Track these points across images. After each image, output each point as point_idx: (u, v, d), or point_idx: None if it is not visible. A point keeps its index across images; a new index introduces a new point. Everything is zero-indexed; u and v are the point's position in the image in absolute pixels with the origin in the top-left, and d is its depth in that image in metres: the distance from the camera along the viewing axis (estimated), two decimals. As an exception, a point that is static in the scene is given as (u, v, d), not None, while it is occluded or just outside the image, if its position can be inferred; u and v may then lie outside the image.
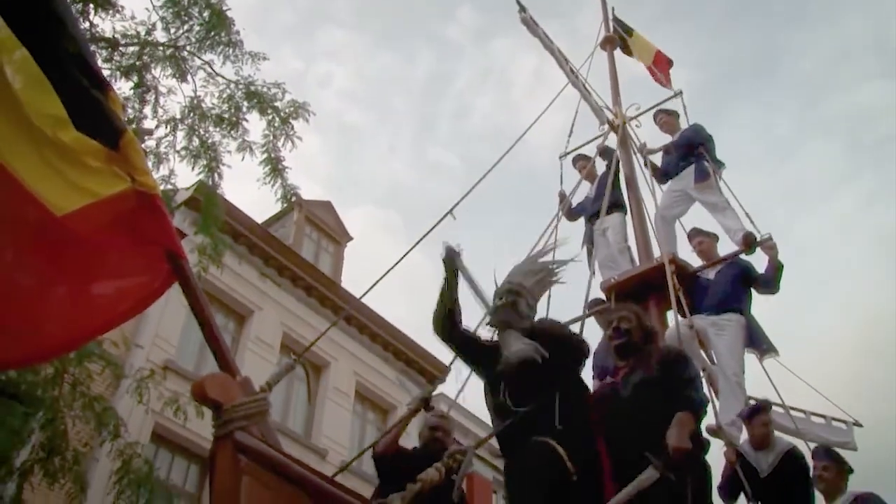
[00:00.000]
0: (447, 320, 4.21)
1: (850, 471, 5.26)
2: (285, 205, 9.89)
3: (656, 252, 6.82)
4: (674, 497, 3.27)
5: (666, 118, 8.21)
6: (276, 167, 9.29)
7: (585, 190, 7.99)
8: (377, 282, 5.50)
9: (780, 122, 64.37)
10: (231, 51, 9.09)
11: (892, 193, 56.12)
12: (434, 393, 5.75)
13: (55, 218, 2.39)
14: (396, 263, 5.68)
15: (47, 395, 7.12)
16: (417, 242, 5.95)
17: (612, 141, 8.20)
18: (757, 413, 5.76)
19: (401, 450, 4.97)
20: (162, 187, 9.29)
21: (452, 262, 4.21)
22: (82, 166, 2.45)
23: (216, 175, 9.23)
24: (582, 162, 8.17)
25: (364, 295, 5.80)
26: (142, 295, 2.59)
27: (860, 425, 6.49)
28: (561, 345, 3.93)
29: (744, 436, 6.14)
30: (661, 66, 9.59)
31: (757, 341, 6.39)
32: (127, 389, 8.05)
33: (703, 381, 4.56)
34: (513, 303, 4.08)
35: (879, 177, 55.91)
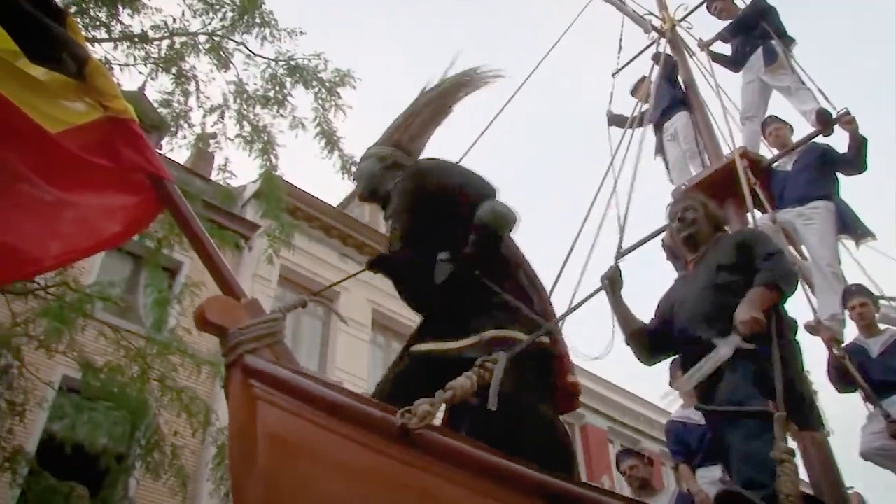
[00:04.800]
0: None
1: None
2: (346, 176, 9.79)
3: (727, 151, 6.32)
4: (755, 374, 2.91)
5: (722, 4, 7.47)
6: (330, 139, 9.21)
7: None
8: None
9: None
10: (267, 31, 9.03)
11: None
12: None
13: (49, 135, 2.24)
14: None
15: (139, 394, 7.18)
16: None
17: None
18: (849, 296, 5.40)
19: None
20: (219, 176, 9.35)
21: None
22: (50, 96, 2.29)
23: (272, 157, 9.22)
24: (639, 85, 7.48)
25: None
26: (132, 220, 2.44)
27: None
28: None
29: (854, 331, 5.72)
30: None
31: (850, 226, 5.79)
32: (209, 375, 8.07)
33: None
34: (384, 168, 3.50)
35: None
